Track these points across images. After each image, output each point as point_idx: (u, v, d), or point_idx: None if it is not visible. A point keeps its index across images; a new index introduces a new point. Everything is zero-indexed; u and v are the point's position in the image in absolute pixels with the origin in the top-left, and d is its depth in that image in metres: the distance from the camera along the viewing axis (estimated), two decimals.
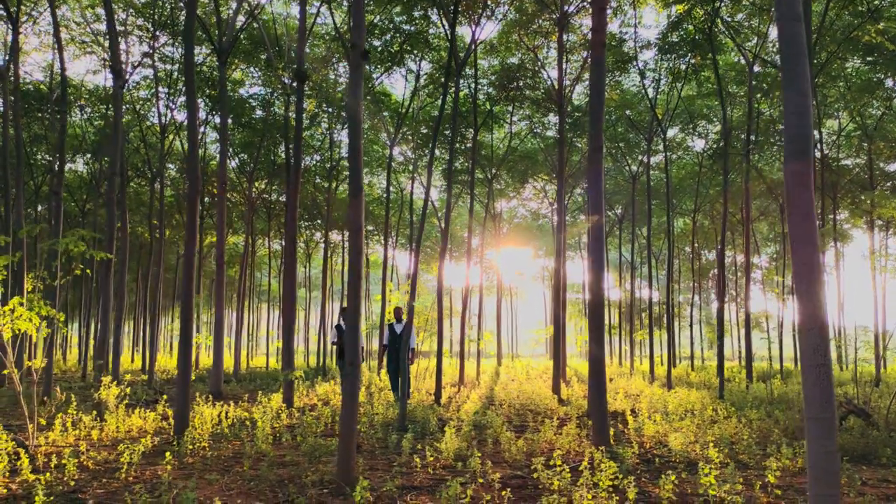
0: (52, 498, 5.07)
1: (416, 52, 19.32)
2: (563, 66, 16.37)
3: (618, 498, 5.17)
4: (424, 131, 23.69)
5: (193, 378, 20.10)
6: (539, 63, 19.28)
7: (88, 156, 24.53)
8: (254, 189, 24.72)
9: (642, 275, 36.92)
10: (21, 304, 7.57)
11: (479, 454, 7.04)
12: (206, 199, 25.04)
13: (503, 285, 38.07)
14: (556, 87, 19.50)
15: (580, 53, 19.49)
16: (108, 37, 15.00)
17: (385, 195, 22.78)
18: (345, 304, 12.31)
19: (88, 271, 9.46)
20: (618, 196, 28.43)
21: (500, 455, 7.46)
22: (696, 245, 28.37)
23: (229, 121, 21.75)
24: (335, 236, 33.00)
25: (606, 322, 34.73)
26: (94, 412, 9.74)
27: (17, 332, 7.72)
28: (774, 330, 39.28)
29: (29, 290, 7.77)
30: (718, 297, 24.01)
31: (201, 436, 8.05)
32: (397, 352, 12.49)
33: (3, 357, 7.70)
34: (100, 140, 22.71)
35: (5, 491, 5.69)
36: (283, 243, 29.53)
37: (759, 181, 23.41)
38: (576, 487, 5.75)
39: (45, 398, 11.92)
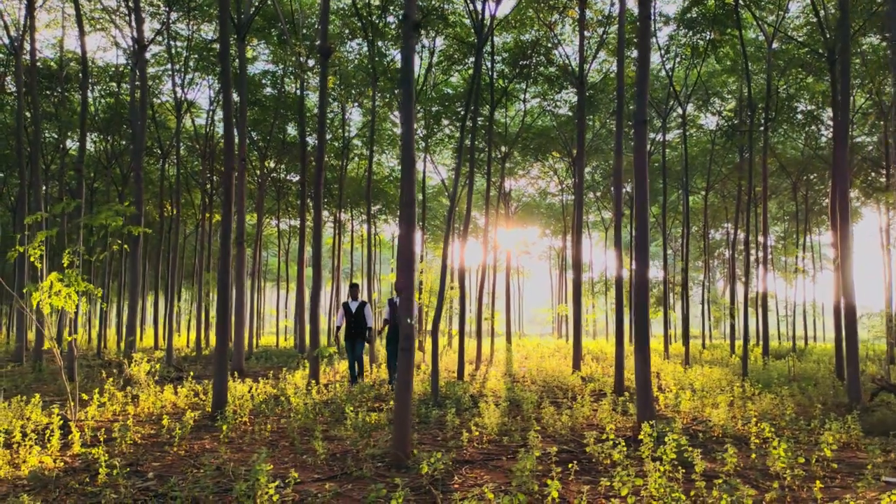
0: (116, 471, 5.06)
1: (431, 28, 19.15)
2: (583, 43, 16.21)
3: (684, 471, 5.18)
4: (436, 109, 23.56)
5: (208, 354, 20.16)
6: (555, 39, 19.10)
7: (96, 134, 24.33)
8: (265, 168, 24.58)
9: (651, 253, 36.93)
10: (60, 280, 7.53)
11: (538, 428, 7.05)
12: (215, 177, 24.89)
13: (511, 265, 38.07)
14: (572, 63, 19.34)
15: (596, 30, 19.32)
16: (128, 11, 14.83)
17: (398, 174, 22.63)
18: (354, 281, 12.22)
19: (126, 247, 9.38)
20: (629, 173, 28.33)
21: (544, 431, 7.47)
22: (707, 224, 28.31)
23: (240, 98, 21.53)
24: (341, 215, 32.89)
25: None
26: (129, 388, 9.76)
27: (55, 308, 7.68)
28: (780, 309, 39.41)
29: (65, 265, 7.72)
30: (731, 276, 24.02)
31: (241, 411, 8.06)
32: (398, 327, 12.15)
33: (45, 333, 7.67)
34: (109, 118, 22.53)
35: (63, 464, 5.70)
36: (300, 222, 29.44)
37: (771, 159, 23.31)
38: (630, 460, 5.76)
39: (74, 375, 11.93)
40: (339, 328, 12.12)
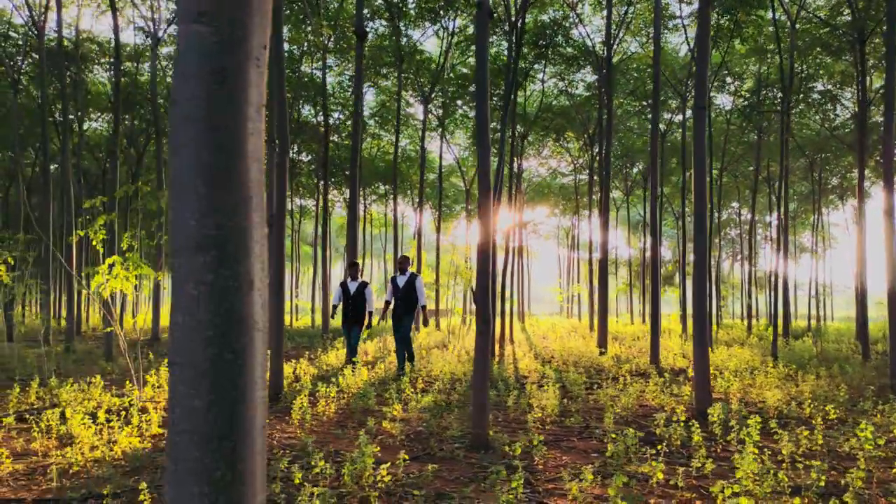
0: None
1: (451, 8, 19.13)
2: (610, 21, 16.19)
3: (769, 452, 5.30)
4: (451, 90, 23.53)
5: None
6: (576, 19, 19.06)
7: (110, 115, 24.25)
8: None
9: (660, 233, 37.08)
10: (121, 264, 7.59)
11: (618, 410, 7.14)
12: None
13: (521, 245, 38.19)
14: (594, 42, 19.30)
15: (618, 10, 19.26)
16: None
17: (418, 155, 22.64)
18: (354, 260, 11.51)
19: None
20: (644, 154, 28.35)
21: (603, 412, 7.59)
22: (720, 203, 28.41)
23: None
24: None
25: (628, 280, 34.97)
26: None
27: (114, 291, 7.76)
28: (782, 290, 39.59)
29: (125, 248, 7.78)
30: (749, 256, 24.16)
31: (302, 392, 8.16)
32: (399, 308, 10.96)
33: (108, 315, 7.76)
34: (124, 98, 22.42)
35: (150, 444, 5.80)
36: (319, 202, 29.41)
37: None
38: (706, 443, 5.87)
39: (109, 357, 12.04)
40: (335, 307, 11.14)
